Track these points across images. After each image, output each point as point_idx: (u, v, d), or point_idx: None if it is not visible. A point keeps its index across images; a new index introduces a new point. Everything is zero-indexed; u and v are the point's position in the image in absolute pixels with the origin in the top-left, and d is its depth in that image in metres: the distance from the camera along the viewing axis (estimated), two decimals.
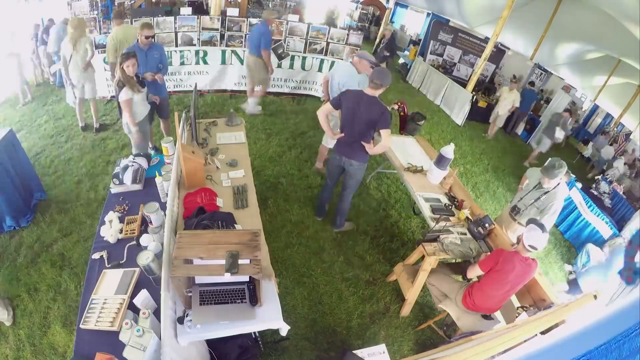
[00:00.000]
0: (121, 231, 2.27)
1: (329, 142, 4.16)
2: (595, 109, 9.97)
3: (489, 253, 2.61)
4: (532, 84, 9.39)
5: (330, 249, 3.47)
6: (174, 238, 1.99)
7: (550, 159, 2.96)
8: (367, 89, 2.83)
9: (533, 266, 2.32)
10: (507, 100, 7.06)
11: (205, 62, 5.90)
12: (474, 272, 2.50)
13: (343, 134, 3.00)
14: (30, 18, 6.38)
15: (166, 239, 1.89)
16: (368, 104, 2.82)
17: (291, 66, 6.23)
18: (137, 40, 3.80)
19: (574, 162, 8.09)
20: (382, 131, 2.83)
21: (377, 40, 10.22)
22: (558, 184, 2.96)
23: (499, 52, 9.25)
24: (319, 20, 7.53)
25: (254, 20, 5.74)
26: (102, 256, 2.12)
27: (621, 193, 5.86)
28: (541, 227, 2.30)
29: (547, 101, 10.21)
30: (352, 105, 2.86)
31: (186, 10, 5.54)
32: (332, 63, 6.27)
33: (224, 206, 2.47)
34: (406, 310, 2.98)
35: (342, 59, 6.22)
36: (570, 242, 4.86)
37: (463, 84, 8.14)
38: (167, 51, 5.57)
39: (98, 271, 2.03)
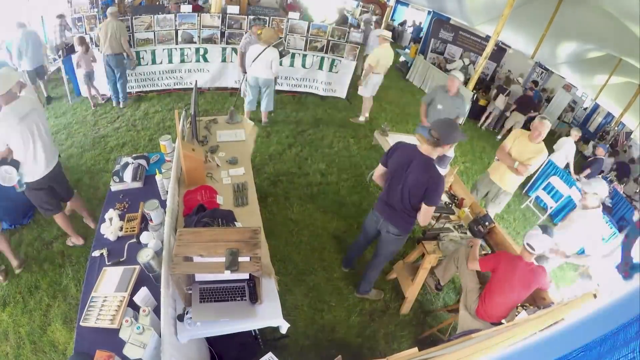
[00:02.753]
0: (121, 229, 2.27)
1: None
2: (596, 107, 9.96)
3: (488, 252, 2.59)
4: (535, 83, 9.36)
5: (330, 247, 3.47)
6: (174, 235, 1.99)
7: None
8: (423, 146, 2.29)
9: (539, 272, 2.23)
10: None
11: (205, 60, 5.88)
12: (473, 265, 2.45)
13: (385, 193, 2.50)
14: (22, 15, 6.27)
15: (166, 236, 1.89)
16: (419, 165, 2.26)
17: (292, 64, 6.21)
18: None
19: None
20: (424, 206, 2.28)
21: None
22: None
23: (499, 51, 9.22)
24: (333, 19, 7.38)
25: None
26: (102, 254, 2.12)
27: (621, 193, 5.87)
28: (544, 229, 2.27)
29: (548, 100, 10.18)
30: (401, 161, 2.33)
31: (186, 8, 5.52)
32: (333, 61, 6.25)
33: (224, 204, 2.47)
34: (406, 308, 2.99)
35: (342, 57, 6.21)
36: None
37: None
38: (168, 49, 5.58)
39: (98, 269, 2.03)
